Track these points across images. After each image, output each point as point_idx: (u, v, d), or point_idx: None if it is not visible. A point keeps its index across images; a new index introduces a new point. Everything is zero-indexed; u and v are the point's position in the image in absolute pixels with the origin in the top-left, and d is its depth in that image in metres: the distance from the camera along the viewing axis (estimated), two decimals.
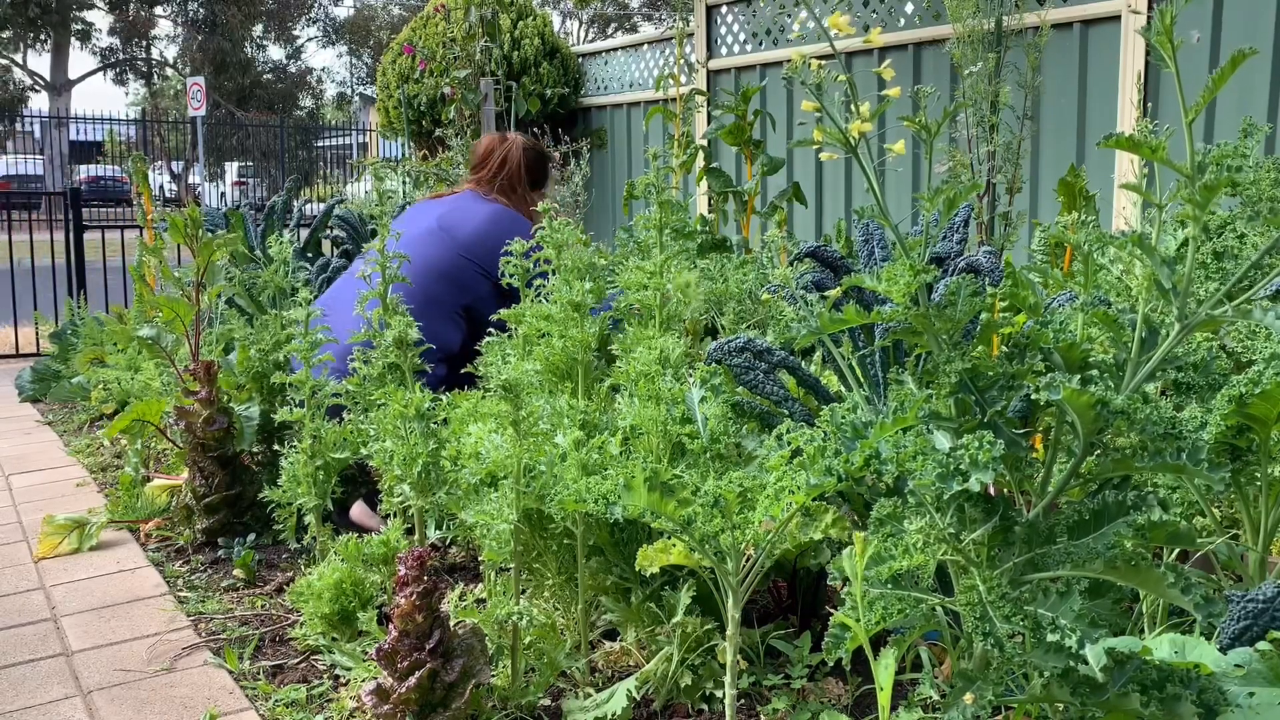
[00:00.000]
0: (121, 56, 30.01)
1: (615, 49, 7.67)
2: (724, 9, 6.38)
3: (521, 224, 3.13)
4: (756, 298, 3.22)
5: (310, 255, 4.57)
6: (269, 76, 31.51)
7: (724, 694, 1.74)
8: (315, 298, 2.77)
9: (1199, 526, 1.83)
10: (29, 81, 28.31)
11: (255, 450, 3.24)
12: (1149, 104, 4.08)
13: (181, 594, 2.59)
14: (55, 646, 2.32)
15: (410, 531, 2.40)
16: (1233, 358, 1.96)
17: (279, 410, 2.60)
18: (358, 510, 2.84)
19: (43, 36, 26.98)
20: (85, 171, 28.31)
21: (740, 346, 2.11)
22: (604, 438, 1.91)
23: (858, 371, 2.00)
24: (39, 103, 28.21)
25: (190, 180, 25.65)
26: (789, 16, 5.96)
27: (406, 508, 2.36)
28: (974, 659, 1.45)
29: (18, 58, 28.35)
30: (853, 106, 1.34)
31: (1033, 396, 1.26)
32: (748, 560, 1.64)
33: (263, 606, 2.51)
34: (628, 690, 1.84)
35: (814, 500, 1.65)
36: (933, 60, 5.10)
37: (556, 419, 1.98)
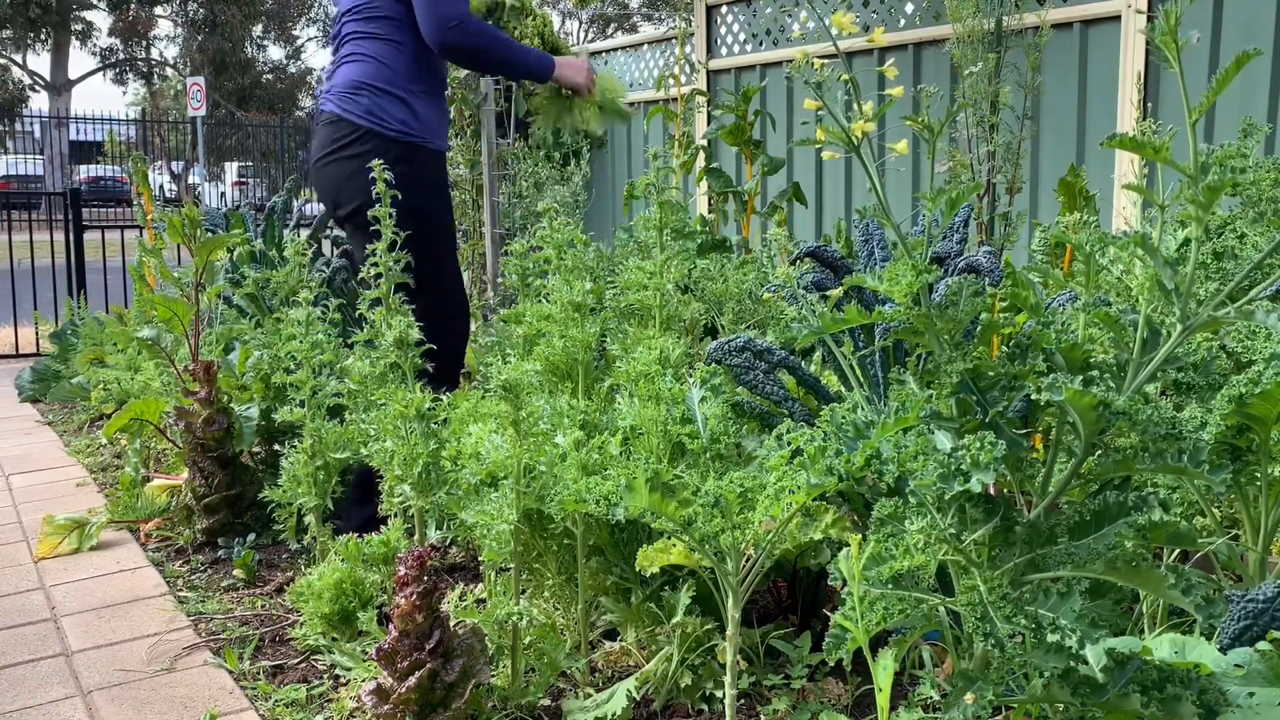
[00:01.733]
0: (121, 56, 30.00)
1: (615, 49, 7.66)
2: (724, 9, 6.38)
3: None
4: (756, 298, 3.22)
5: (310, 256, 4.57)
6: (269, 77, 31.50)
7: (724, 694, 1.74)
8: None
9: (1199, 526, 1.83)
10: (29, 81, 28.31)
11: (255, 450, 3.24)
12: (1149, 104, 4.07)
13: (181, 594, 2.59)
14: (55, 646, 2.32)
15: (410, 532, 2.40)
16: (1232, 358, 1.96)
17: (280, 410, 2.60)
18: None
19: (43, 36, 26.98)
20: (85, 171, 28.30)
21: (740, 346, 2.11)
22: (604, 438, 1.91)
23: (858, 371, 2.01)
24: (39, 103, 28.22)
25: (190, 180, 25.64)
26: (789, 16, 5.96)
27: (406, 508, 2.35)
28: (974, 659, 1.45)
29: (18, 58, 28.35)
30: (856, 105, 1.34)
31: (1035, 397, 1.26)
32: (748, 560, 1.64)
33: (263, 606, 2.51)
34: (628, 690, 1.84)
35: (814, 500, 1.65)
36: (933, 60, 5.10)
37: (556, 419, 1.98)
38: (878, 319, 1.40)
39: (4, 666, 2.22)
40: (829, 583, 1.51)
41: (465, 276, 5.35)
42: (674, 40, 6.23)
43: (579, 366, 2.24)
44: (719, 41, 6.46)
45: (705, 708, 1.92)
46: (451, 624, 1.86)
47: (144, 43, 30.04)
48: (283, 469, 2.55)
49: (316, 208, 6.63)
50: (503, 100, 5.51)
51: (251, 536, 2.88)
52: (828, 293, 2.09)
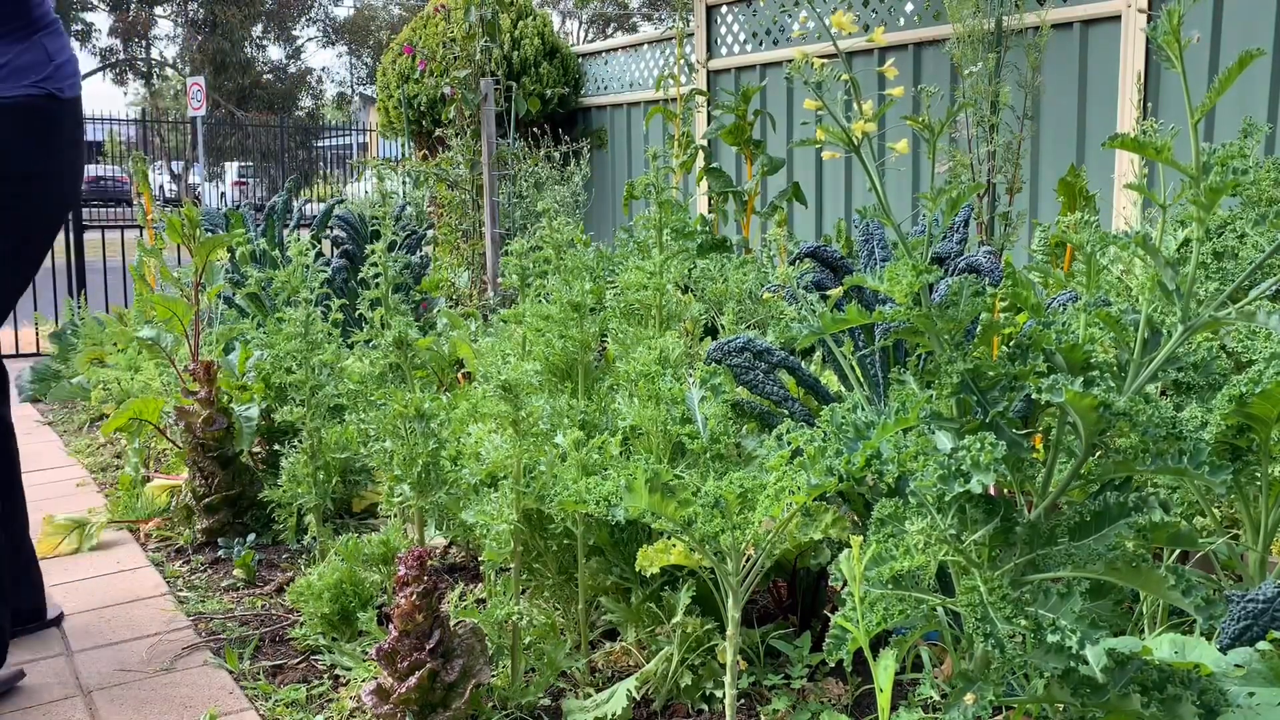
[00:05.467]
0: (121, 56, 30.02)
1: (615, 49, 7.66)
2: (724, 9, 6.38)
3: None
4: (756, 298, 3.22)
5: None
6: (269, 76, 31.53)
7: (724, 694, 1.74)
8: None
9: (1199, 526, 1.83)
10: None
11: (255, 450, 3.24)
12: (1149, 104, 4.08)
13: (181, 594, 2.59)
14: (55, 647, 2.32)
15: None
16: (1232, 357, 1.96)
17: (280, 410, 2.60)
18: None
19: None
20: (85, 171, 28.28)
21: (740, 346, 2.11)
22: (604, 438, 1.91)
23: (858, 371, 2.00)
24: None
25: (190, 180, 25.64)
26: (789, 16, 5.96)
27: (406, 507, 2.35)
28: (975, 659, 1.45)
29: None
30: (855, 105, 1.34)
31: (1035, 398, 1.26)
32: (748, 560, 1.64)
33: (263, 606, 2.51)
34: (628, 690, 1.84)
35: (814, 500, 1.65)
36: (933, 60, 5.10)
37: (556, 419, 1.98)
38: (878, 319, 1.40)
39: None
40: (829, 583, 1.52)
41: (465, 276, 5.36)
42: (674, 40, 6.23)
43: (579, 366, 2.24)
44: (719, 41, 6.46)
45: (705, 708, 1.92)
46: (451, 624, 1.86)
47: (144, 43, 30.06)
48: (283, 469, 2.55)
49: (317, 208, 6.62)
50: (503, 100, 5.51)
51: (251, 536, 2.88)
52: (828, 293, 2.09)
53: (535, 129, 6.66)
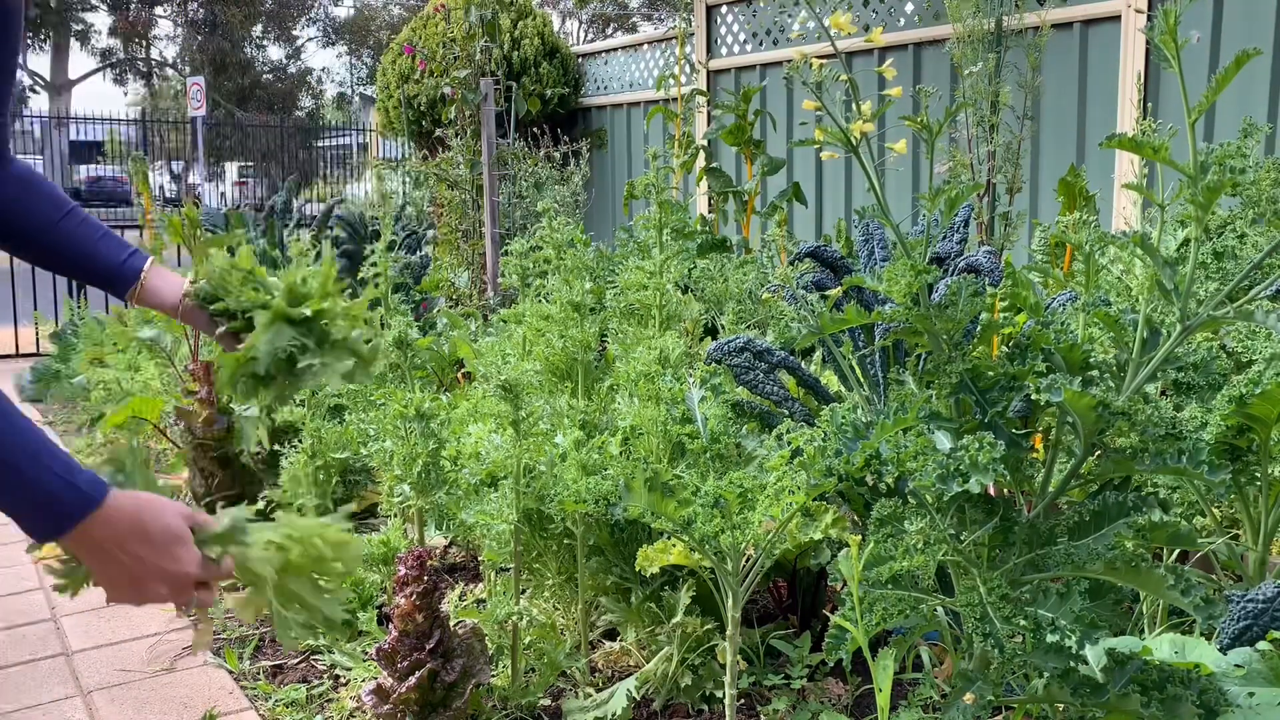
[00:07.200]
0: (121, 57, 30.03)
1: (615, 49, 7.66)
2: (724, 9, 6.37)
3: None
4: (756, 298, 3.22)
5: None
6: (269, 77, 31.52)
7: (724, 694, 1.74)
8: None
9: (1199, 526, 1.83)
10: (29, 81, 28.31)
11: (255, 450, 3.24)
12: (1149, 104, 4.08)
13: None
14: (55, 646, 2.32)
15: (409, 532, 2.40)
16: (1232, 358, 1.96)
17: (279, 410, 2.60)
18: None
19: (42, 36, 27.02)
20: (85, 171, 28.28)
21: (740, 346, 2.11)
22: (604, 438, 1.91)
23: (858, 371, 2.00)
24: (39, 103, 28.22)
25: (190, 180, 25.62)
26: (789, 16, 5.96)
27: (406, 507, 2.35)
28: (974, 659, 1.44)
29: (18, 58, 28.35)
30: (854, 106, 1.34)
31: (1034, 397, 1.26)
32: (748, 560, 1.64)
33: None
34: (628, 690, 1.84)
35: (814, 500, 1.65)
36: (933, 60, 5.09)
37: (556, 419, 1.98)
38: (877, 319, 1.40)
39: (4, 667, 2.22)
40: (829, 583, 1.51)
41: (465, 276, 5.35)
42: (674, 40, 6.23)
43: (579, 366, 2.24)
44: (719, 41, 6.46)
45: (705, 708, 1.92)
46: (451, 624, 1.86)
47: (144, 43, 30.07)
48: (283, 469, 2.55)
49: (317, 208, 6.62)
50: (503, 100, 5.51)
51: None
52: (828, 293, 2.08)
53: (535, 129, 6.65)
